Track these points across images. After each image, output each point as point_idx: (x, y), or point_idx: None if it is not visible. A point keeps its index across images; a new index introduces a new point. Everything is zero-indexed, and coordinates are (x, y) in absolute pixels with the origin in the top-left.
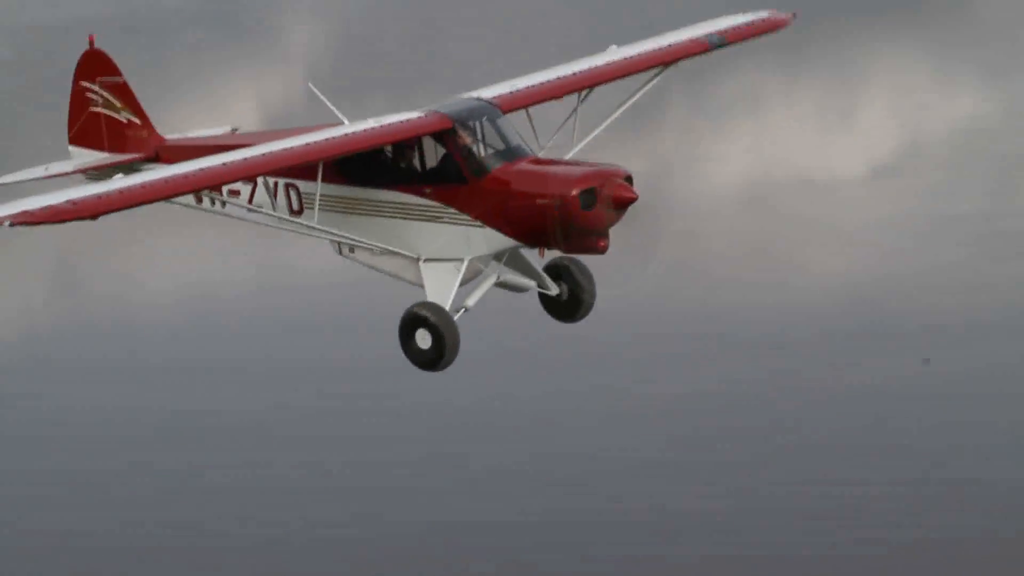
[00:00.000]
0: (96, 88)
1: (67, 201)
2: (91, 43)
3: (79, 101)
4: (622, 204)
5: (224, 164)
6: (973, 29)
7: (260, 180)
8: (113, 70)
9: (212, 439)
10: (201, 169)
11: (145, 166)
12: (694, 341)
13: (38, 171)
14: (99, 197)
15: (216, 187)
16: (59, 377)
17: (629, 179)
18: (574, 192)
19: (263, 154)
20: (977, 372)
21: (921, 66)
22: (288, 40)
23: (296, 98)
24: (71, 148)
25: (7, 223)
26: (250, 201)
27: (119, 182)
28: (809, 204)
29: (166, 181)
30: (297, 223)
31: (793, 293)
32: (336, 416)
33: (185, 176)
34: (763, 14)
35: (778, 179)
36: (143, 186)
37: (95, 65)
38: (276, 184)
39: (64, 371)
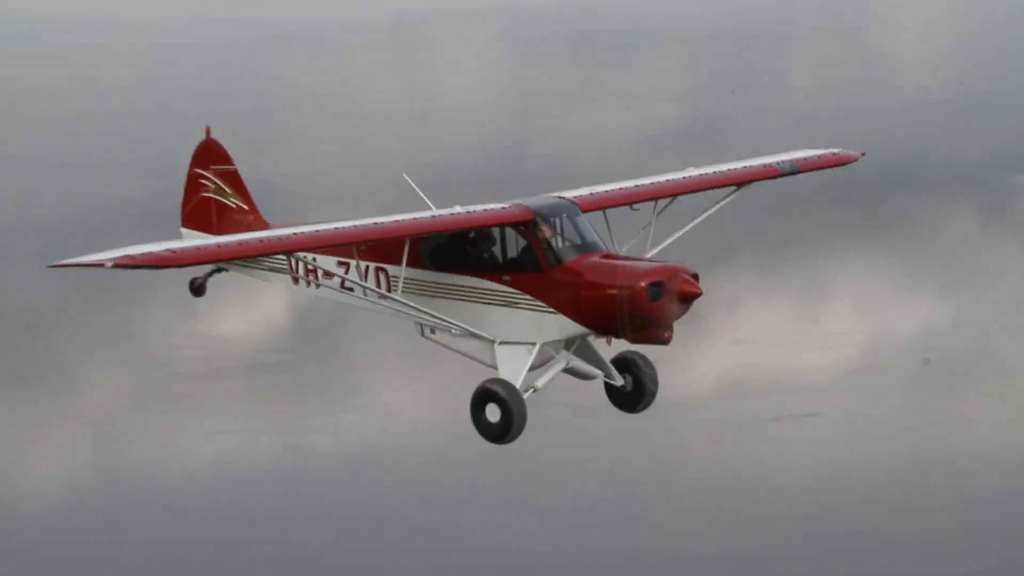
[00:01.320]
0: (209, 175)
1: (167, 250)
2: (207, 134)
3: (193, 186)
4: (687, 298)
5: (317, 231)
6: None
7: (352, 264)
8: (226, 159)
9: None
10: (295, 234)
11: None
12: None
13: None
14: (198, 249)
15: (319, 256)
16: None
17: (695, 276)
18: (642, 284)
19: (355, 226)
20: None
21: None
22: None
23: None
24: (183, 229)
25: (109, 263)
26: (342, 283)
27: (218, 239)
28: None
29: (261, 240)
30: (385, 303)
31: None
32: None
33: (280, 238)
34: (835, 150)
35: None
36: (239, 243)
37: (210, 154)
38: (368, 267)
39: None
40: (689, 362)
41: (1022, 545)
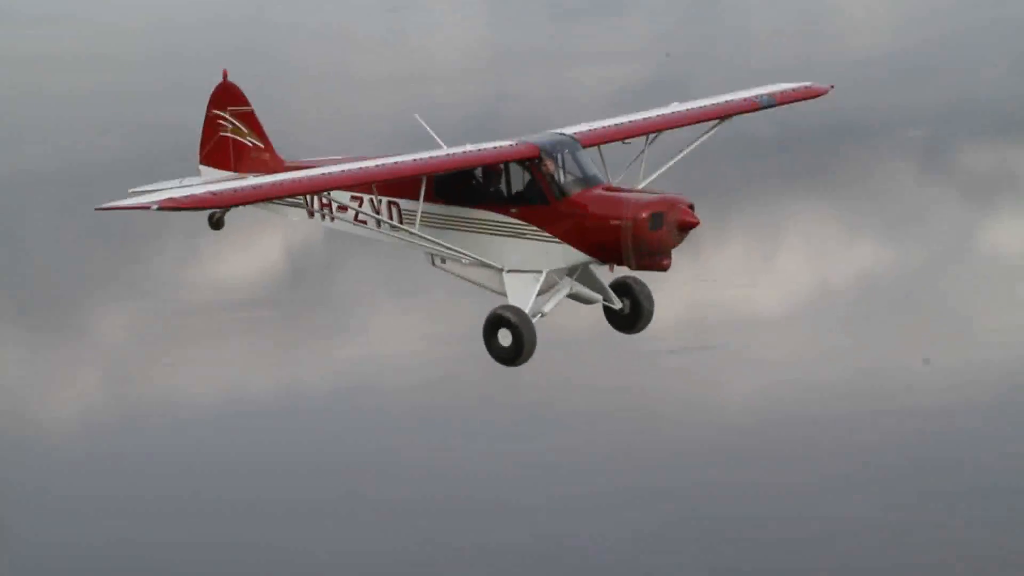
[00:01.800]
0: (227, 116)
1: (207, 192)
2: (224, 76)
3: (211, 126)
4: (685, 228)
5: (343, 171)
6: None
7: (366, 198)
8: (243, 100)
9: None
10: (324, 173)
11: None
12: None
13: (173, 183)
14: (235, 191)
15: (333, 191)
16: None
17: (691, 207)
18: (644, 215)
19: (377, 165)
20: None
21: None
22: None
23: None
24: (201, 167)
25: (155, 207)
26: (356, 216)
27: (253, 179)
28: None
29: (293, 181)
30: (398, 234)
31: None
32: None
33: (311, 179)
34: (806, 83)
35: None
36: (273, 183)
37: (227, 96)
38: (381, 201)
39: None
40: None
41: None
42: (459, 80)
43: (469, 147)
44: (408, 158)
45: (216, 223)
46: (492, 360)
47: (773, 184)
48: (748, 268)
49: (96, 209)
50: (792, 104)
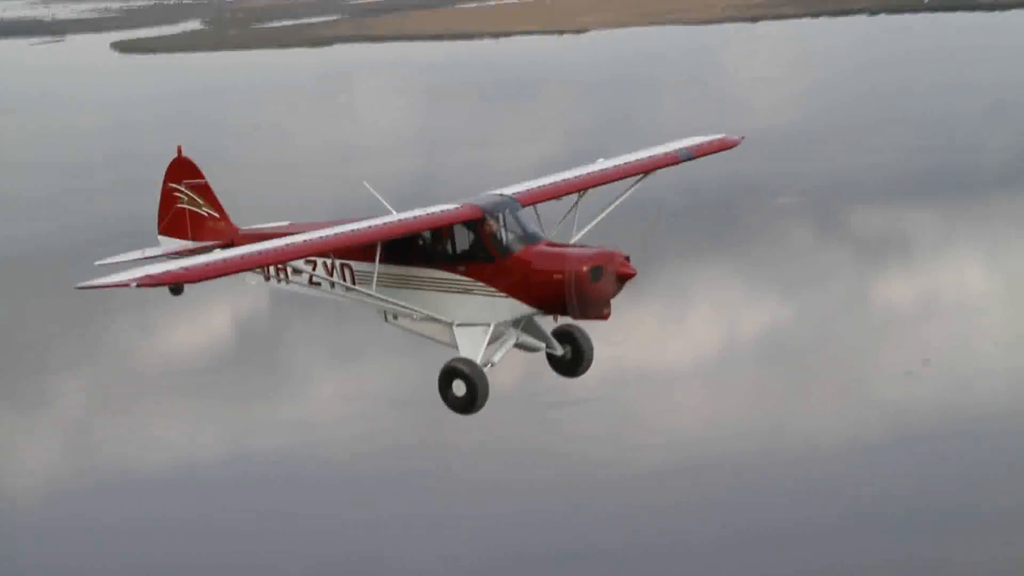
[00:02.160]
0: (182, 188)
1: (181, 268)
2: (179, 152)
3: (168, 199)
4: (624, 278)
5: (305, 241)
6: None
7: (319, 261)
8: (197, 174)
9: None
10: (287, 244)
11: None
12: None
13: (136, 254)
14: (206, 265)
15: (298, 259)
16: None
17: (627, 258)
18: (585, 268)
19: (335, 234)
20: None
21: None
22: None
23: None
24: (160, 237)
25: (134, 284)
26: (310, 279)
27: (220, 254)
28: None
29: (259, 253)
30: (352, 295)
31: None
32: None
33: (275, 250)
34: (720, 136)
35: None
36: (241, 257)
37: (182, 169)
38: (333, 264)
39: None
40: None
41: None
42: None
43: (418, 211)
44: (363, 224)
45: (175, 290)
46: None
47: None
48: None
49: (77, 288)
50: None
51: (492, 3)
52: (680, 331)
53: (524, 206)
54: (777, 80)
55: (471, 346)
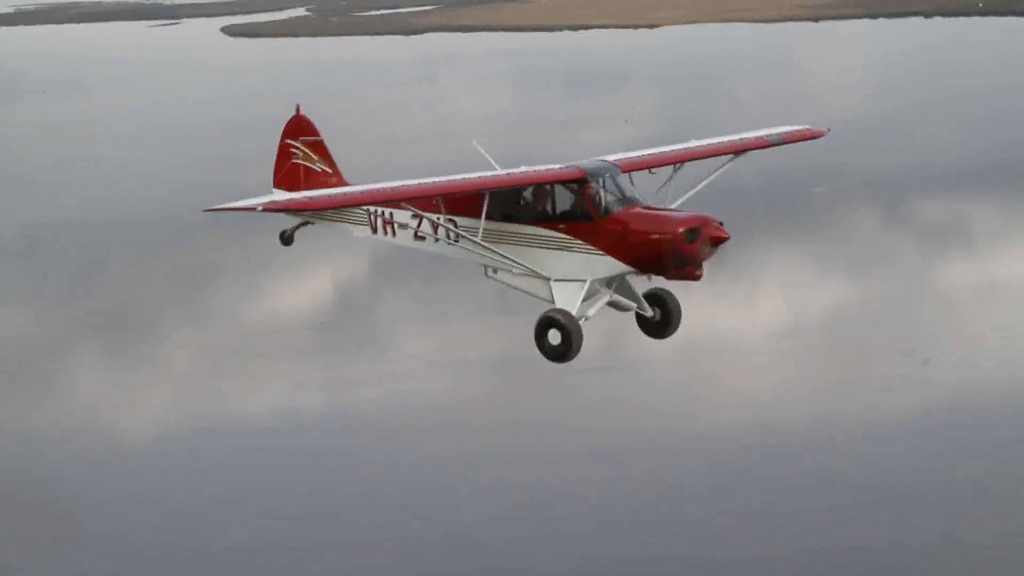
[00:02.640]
0: (298, 144)
1: (305, 197)
2: (297, 110)
3: (284, 154)
4: (717, 242)
5: (418, 184)
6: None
7: (425, 216)
8: (313, 131)
9: None
10: (402, 185)
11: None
12: None
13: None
14: (329, 196)
15: (396, 211)
16: None
17: (721, 223)
18: (682, 230)
19: (448, 181)
20: None
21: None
22: None
23: None
24: (275, 190)
25: (260, 207)
26: (416, 233)
27: (342, 189)
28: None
29: (376, 191)
30: (455, 249)
31: None
32: None
33: (392, 190)
34: (808, 126)
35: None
36: (361, 192)
37: (299, 127)
38: (439, 219)
39: None
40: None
41: None
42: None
43: (524, 168)
44: (472, 176)
45: (287, 240)
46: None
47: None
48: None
49: (205, 210)
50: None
51: None
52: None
53: (624, 172)
54: (841, 76)
55: (567, 300)
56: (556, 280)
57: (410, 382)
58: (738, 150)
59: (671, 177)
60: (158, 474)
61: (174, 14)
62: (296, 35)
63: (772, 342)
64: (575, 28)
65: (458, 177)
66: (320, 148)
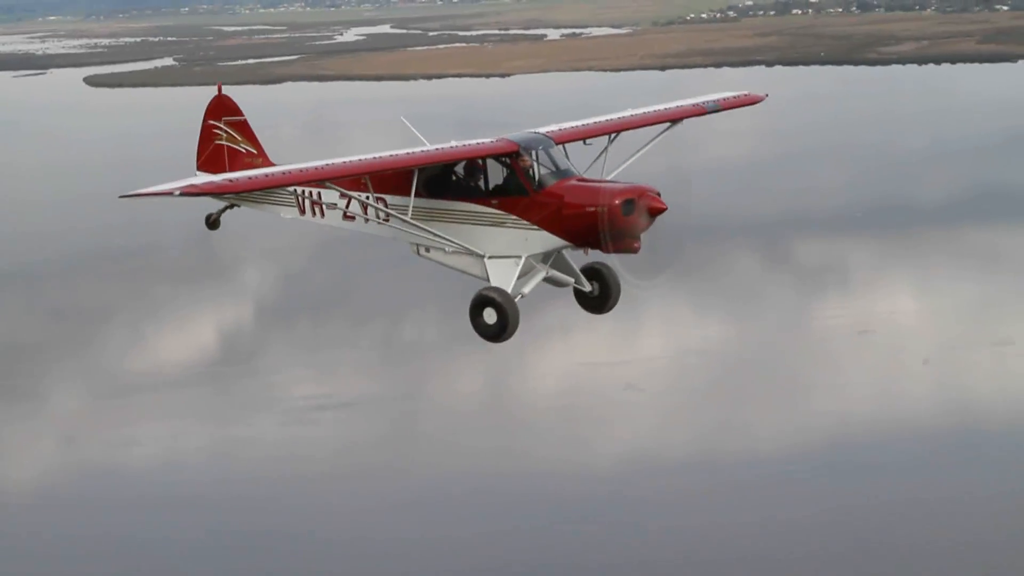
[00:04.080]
0: (221, 125)
1: (225, 179)
2: (219, 89)
3: (207, 136)
4: (655, 212)
5: (345, 162)
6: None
7: (354, 196)
8: (237, 111)
9: None
10: (327, 164)
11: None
12: None
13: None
14: (251, 177)
15: (324, 190)
16: None
17: (658, 194)
18: (618, 201)
19: (373, 158)
20: None
21: None
22: None
23: None
24: (198, 173)
25: (177, 192)
26: (345, 214)
27: (266, 169)
28: None
29: (301, 171)
30: (386, 228)
31: None
32: None
33: (317, 169)
34: (745, 92)
35: None
36: (284, 172)
37: (222, 107)
38: (368, 198)
39: None
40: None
41: None
42: None
43: (454, 143)
44: (400, 152)
45: (213, 223)
46: None
47: None
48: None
49: (120, 196)
50: None
51: (441, 47)
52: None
53: (557, 144)
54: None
55: (502, 277)
56: (490, 257)
57: (297, 428)
58: (675, 118)
59: (606, 148)
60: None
61: (44, 64)
62: (157, 84)
63: (652, 379)
64: (430, 77)
65: (386, 154)
66: (244, 128)
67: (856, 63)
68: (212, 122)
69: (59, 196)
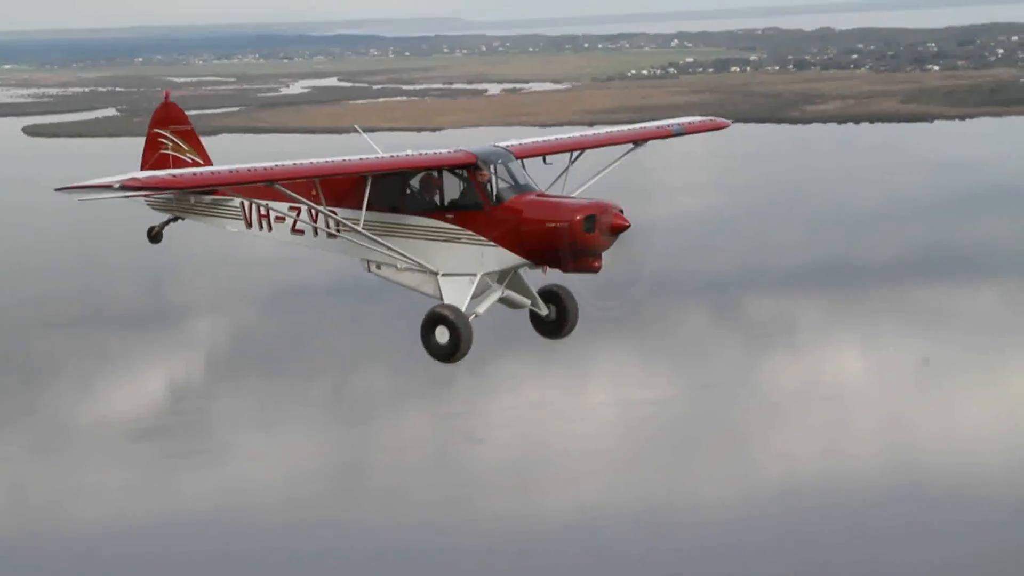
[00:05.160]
0: (167, 134)
1: (168, 174)
2: (166, 97)
3: (152, 145)
4: (616, 230)
5: (295, 164)
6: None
7: (304, 207)
8: (183, 120)
9: None
10: (277, 165)
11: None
12: None
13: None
14: (194, 175)
15: (272, 202)
16: None
17: (621, 211)
18: (579, 217)
19: (325, 161)
20: None
21: None
22: None
23: None
24: None
25: (117, 185)
26: (294, 226)
27: (212, 168)
28: None
29: (248, 171)
30: (336, 243)
31: None
32: None
33: (266, 170)
34: (711, 117)
35: None
36: (229, 172)
37: (168, 116)
38: (318, 210)
39: None
40: None
41: None
42: None
43: (409, 151)
44: (353, 158)
45: (155, 236)
46: None
47: None
48: None
49: (56, 190)
50: None
51: (382, 100)
52: None
53: (517, 159)
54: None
55: (456, 295)
56: (444, 275)
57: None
58: (638, 139)
59: (567, 168)
60: None
61: None
62: (94, 135)
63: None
64: (365, 130)
65: (338, 159)
66: (191, 137)
67: (779, 121)
68: (158, 130)
69: None
